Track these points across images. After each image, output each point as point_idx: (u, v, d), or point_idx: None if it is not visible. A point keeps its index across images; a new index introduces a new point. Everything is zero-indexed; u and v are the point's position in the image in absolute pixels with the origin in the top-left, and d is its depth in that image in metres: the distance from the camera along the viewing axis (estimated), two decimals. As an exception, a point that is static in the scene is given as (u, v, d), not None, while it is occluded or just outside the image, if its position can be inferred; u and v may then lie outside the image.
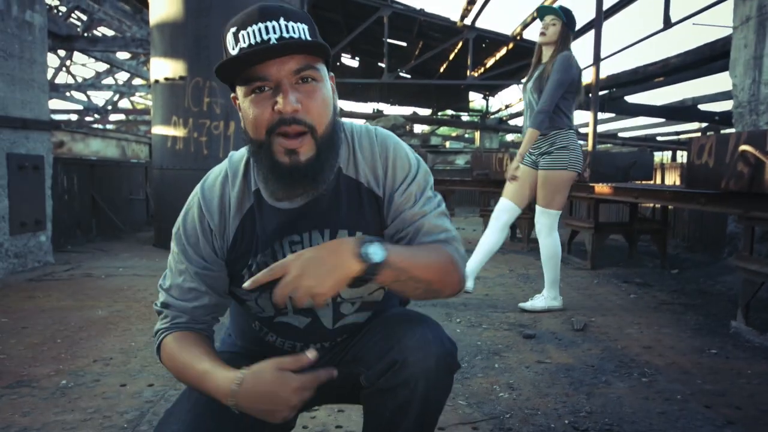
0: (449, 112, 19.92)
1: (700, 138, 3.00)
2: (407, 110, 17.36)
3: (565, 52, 3.14)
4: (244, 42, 0.91)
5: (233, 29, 0.93)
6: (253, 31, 0.91)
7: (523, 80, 3.39)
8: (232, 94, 1.01)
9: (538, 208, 3.29)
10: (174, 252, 1.08)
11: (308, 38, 0.93)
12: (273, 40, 0.90)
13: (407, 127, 13.27)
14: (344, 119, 1.10)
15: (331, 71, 1.03)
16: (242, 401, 0.89)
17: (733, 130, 4.66)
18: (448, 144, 15.37)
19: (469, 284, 3.51)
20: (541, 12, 3.23)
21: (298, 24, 0.93)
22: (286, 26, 0.92)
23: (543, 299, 3.32)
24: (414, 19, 8.50)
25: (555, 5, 3.25)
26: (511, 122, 15.63)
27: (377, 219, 1.07)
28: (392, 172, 1.06)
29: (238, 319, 1.24)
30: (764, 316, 3.12)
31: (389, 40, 8.55)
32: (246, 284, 0.90)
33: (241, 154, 1.09)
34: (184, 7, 5.23)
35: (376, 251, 0.88)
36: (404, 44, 11.05)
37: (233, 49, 0.93)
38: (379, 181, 1.06)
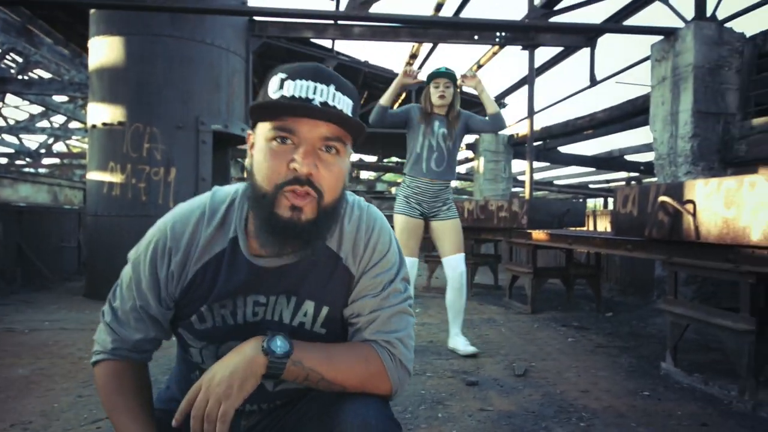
0: (394, 159, 20.37)
1: (624, 189, 3.21)
2: (354, 157, 17.58)
3: (465, 112, 3.51)
4: (288, 91, 0.91)
5: (282, 75, 0.93)
6: (302, 86, 0.91)
7: (415, 117, 3.46)
8: (249, 131, 1.00)
9: (458, 256, 3.44)
10: (128, 277, 1.05)
11: (349, 115, 0.94)
12: (316, 102, 0.91)
13: (353, 173, 13.42)
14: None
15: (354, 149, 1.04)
16: None
17: (655, 180, 5.00)
18: (393, 190, 15.62)
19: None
20: (437, 75, 3.41)
21: (345, 97, 0.95)
22: (334, 95, 0.93)
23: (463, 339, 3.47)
24: (359, 70, 8.75)
25: (442, 68, 3.44)
26: (464, 168, 16.07)
27: (346, 296, 1.05)
28: (370, 252, 1.05)
29: (181, 367, 1.19)
30: (691, 357, 3.28)
31: (344, 79, 8.73)
32: (173, 423, 0.92)
33: (225, 194, 1.06)
34: (125, 53, 5.18)
35: (280, 345, 0.91)
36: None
37: (275, 92, 0.92)
38: (357, 258, 1.05)
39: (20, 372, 2.89)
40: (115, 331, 1.06)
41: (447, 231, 3.43)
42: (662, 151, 4.77)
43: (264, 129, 0.93)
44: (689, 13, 4.95)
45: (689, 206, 2.62)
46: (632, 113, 6.31)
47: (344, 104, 0.94)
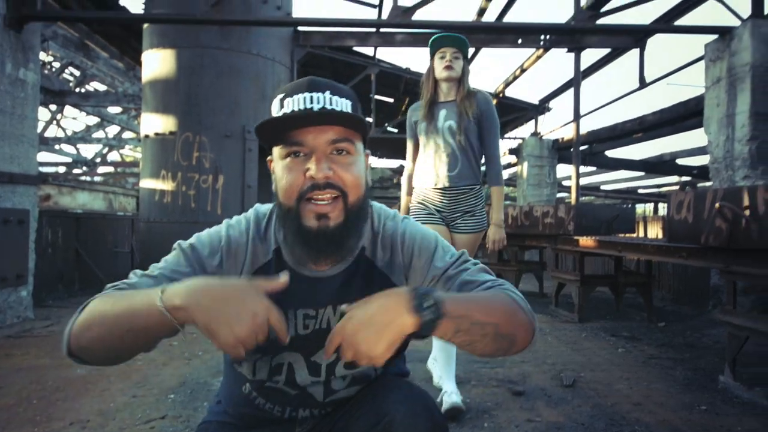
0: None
1: (678, 194, 3.09)
2: (394, 163, 17.63)
3: (485, 93, 2.70)
4: (288, 108, 0.96)
5: (281, 95, 0.98)
6: (299, 99, 0.95)
7: (416, 119, 2.74)
8: (269, 157, 1.03)
9: None
10: (178, 254, 1.02)
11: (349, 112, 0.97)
12: (315, 109, 0.94)
13: (394, 179, 13.44)
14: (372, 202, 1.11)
15: (367, 149, 1.05)
16: (190, 300, 0.78)
17: (710, 184, 4.80)
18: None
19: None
20: (442, 42, 2.65)
21: (343, 99, 0.98)
22: (331, 99, 0.96)
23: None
24: (400, 77, 8.77)
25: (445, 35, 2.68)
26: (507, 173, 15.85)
27: None
28: (417, 254, 1.05)
29: (229, 382, 1.21)
30: (752, 370, 3.12)
31: (377, 96, 8.78)
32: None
33: (266, 209, 1.10)
34: (176, 65, 5.37)
35: (430, 303, 0.82)
36: (391, 100, 11.36)
37: (277, 113, 0.97)
38: (397, 268, 1.06)
39: (78, 372, 3.02)
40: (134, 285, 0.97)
41: (458, 246, 2.59)
42: (718, 155, 4.57)
43: (277, 150, 0.99)
44: (745, 11, 4.74)
45: (749, 212, 2.50)
46: (684, 115, 6.09)
47: (342, 105, 0.97)
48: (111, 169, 17.08)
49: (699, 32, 4.75)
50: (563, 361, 3.37)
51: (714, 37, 4.65)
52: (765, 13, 4.62)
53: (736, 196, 2.59)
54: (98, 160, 16.32)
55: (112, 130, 15.89)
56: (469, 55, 2.76)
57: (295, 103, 0.95)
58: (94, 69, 9.78)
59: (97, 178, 15.39)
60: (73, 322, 0.91)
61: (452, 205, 2.64)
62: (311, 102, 0.95)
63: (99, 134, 15.27)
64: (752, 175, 4.24)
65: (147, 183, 5.56)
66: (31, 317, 4.49)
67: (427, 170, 2.68)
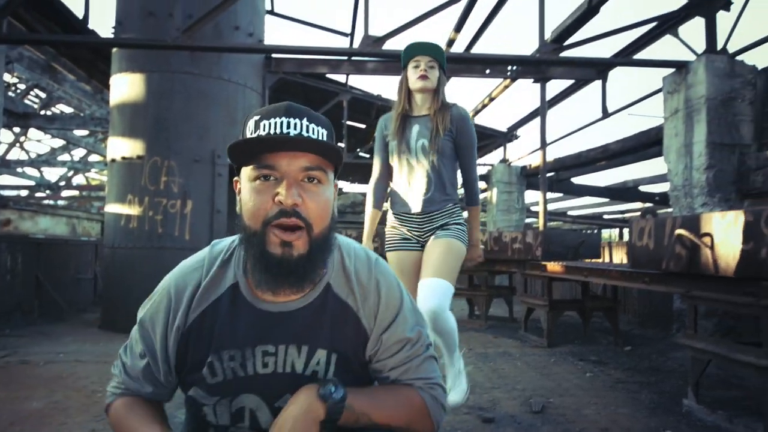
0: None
1: (639, 221, 3.18)
2: (366, 188, 17.70)
3: (460, 107, 2.51)
4: (264, 130, 0.95)
5: (256, 117, 0.97)
6: (275, 123, 0.95)
7: (387, 134, 2.56)
8: (236, 178, 1.03)
9: (431, 281, 2.32)
10: (137, 335, 1.08)
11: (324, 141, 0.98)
12: (292, 134, 0.95)
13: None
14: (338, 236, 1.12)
15: (337, 179, 1.06)
16: None
17: (671, 210, 4.96)
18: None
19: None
20: (415, 50, 2.47)
21: (319, 128, 0.98)
22: (308, 126, 0.97)
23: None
24: (372, 103, 8.89)
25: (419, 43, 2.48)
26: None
27: (358, 347, 1.05)
28: (384, 310, 1.06)
29: (191, 428, 1.18)
30: (715, 393, 3.19)
31: (348, 122, 8.85)
32: None
33: (223, 246, 1.08)
34: (146, 89, 5.33)
35: (335, 390, 0.93)
36: (363, 126, 11.46)
37: (252, 133, 0.96)
38: (368, 312, 1.05)
39: (34, 405, 2.89)
40: (125, 385, 1.08)
41: (432, 250, 2.42)
42: (677, 183, 4.74)
43: (247, 171, 0.97)
44: (700, 46, 4.99)
45: (707, 239, 2.59)
46: (646, 144, 6.31)
47: (319, 133, 0.98)
48: (76, 192, 16.68)
49: (657, 66, 4.97)
50: (533, 387, 3.39)
51: (671, 70, 4.87)
52: (718, 48, 4.88)
53: (694, 223, 2.69)
54: (62, 183, 15.92)
55: (79, 152, 15.56)
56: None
57: (272, 126, 0.95)
58: (61, 91, 9.62)
59: (60, 202, 14.98)
60: (105, 411, 1.10)
61: (425, 225, 2.48)
62: (288, 127, 0.95)
63: (64, 157, 14.92)
64: (710, 203, 4.40)
65: (112, 208, 5.45)
66: (-14, 348, 4.29)
67: (401, 195, 2.53)
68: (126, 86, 5.43)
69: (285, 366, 1.02)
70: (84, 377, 3.52)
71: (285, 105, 0.98)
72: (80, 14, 5.78)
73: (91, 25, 5.99)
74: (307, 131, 0.96)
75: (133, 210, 5.24)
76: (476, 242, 2.66)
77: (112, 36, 5.63)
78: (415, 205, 2.48)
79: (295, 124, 0.95)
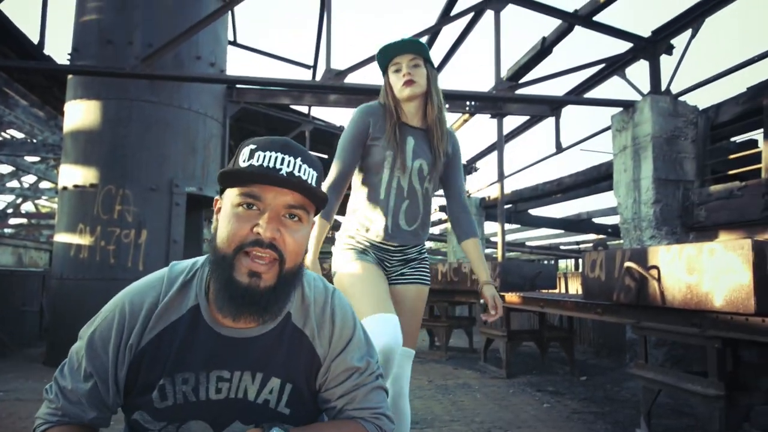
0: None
1: (591, 253, 3.29)
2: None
3: (449, 127, 2.09)
4: (257, 161, 0.96)
5: (252, 146, 0.99)
6: (270, 156, 0.97)
7: (378, 136, 1.98)
8: (217, 197, 1.04)
9: (405, 349, 1.91)
10: (79, 355, 1.01)
11: (313, 185, 1.00)
12: (283, 172, 0.96)
13: (330, 234, 13.42)
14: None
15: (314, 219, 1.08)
16: None
17: (622, 241, 5.14)
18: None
19: None
20: (390, 51, 1.97)
21: (311, 170, 1.01)
22: (300, 167, 0.99)
23: None
24: (334, 134, 8.96)
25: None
26: (438, 229, 16.18)
27: (311, 376, 1.07)
28: (337, 337, 1.08)
29: None
30: (665, 422, 3.27)
31: (311, 153, 8.89)
32: None
33: (183, 267, 1.08)
34: (101, 117, 5.22)
35: None
36: (326, 156, 11.52)
37: (245, 162, 0.97)
38: (323, 341, 1.07)
39: (-32, 449, 2.71)
40: (63, 411, 1.00)
41: (405, 305, 2.00)
42: (627, 216, 4.93)
43: (231, 195, 0.98)
44: (646, 86, 5.28)
45: (654, 272, 2.70)
46: (597, 179, 6.57)
47: (309, 176, 1.01)
48: (24, 220, 16.00)
49: (606, 105, 5.21)
50: (491, 419, 3.40)
51: (620, 109, 5.12)
52: (662, 89, 5.17)
53: (642, 256, 2.80)
54: (10, 210, 15.26)
55: (28, 179, 14.99)
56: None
57: (267, 159, 0.96)
58: (12, 116, 9.31)
59: (7, 230, 14.33)
60: None
61: (398, 255, 2.03)
62: (282, 163, 0.97)
63: (13, 183, 14.34)
64: (657, 235, 4.59)
65: (62, 237, 5.25)
66: None
67: (376, 217, 1.98)
68: (81, 113, 5.31)
69: (237, 392, 1.01)
70: (25, 417, 3.32)
71: (283, 141, 1.01)
72: (36, 39, 5.67)
73: (46, 51, 5.87)
74: (299, 171, 0.98)
75: (84, 240, 5.06)
76: (490, 281, 2.06)
77: (68, 62, 5.52)
78: (397, 236, 1.99)
79: (289, 162, 0.97)
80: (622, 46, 5.41)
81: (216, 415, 1.00)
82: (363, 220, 2.02)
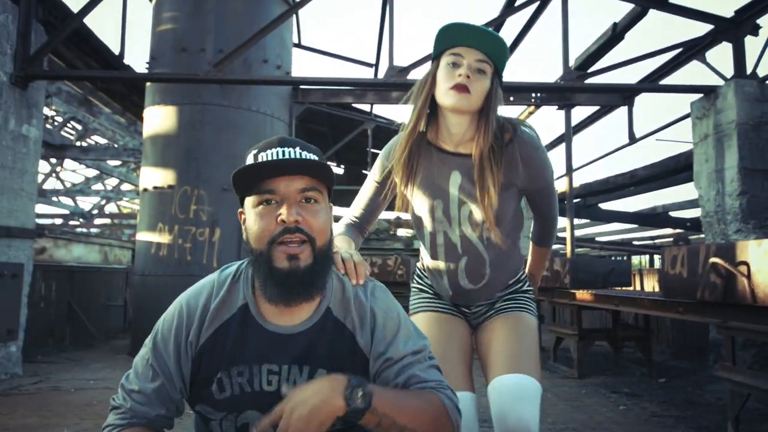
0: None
1: (672, 249, 3.12)
2: (391, 215, 17.73)
3: (527, 131, 1.48)
4: (261, 160, 1.05)
5: (254, 151, 1.08)
6: (272, 153, 1.06)
7: (398, 177, 1.52)
8: (240, 209, 1.11)
9: (514, 378, 1.35)
10: (144, 359, 1.10)
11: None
12: (285, 158, 1.05)
13: (391, 230, 13.49)
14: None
15: (331, 202, 1.14)
16: None
17: (703, 236, 4.84)
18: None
19: None
20: (458, 36, 1.38)
21: (311, 154, 1.08)
22: (301, 153, 1.07)
23: None
24: (395, 131, 8.98)
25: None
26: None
27: (355, 368, 1.08)
28: (381, 330, 1.10)
29: None
30: (755, 428, 3.05)
31: (372, 150, 8.94)
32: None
33: (231, 270, 1.15)
34: (177, 121, 5.50)
35: (360, 394, 0.91)
36: (387, 154, 11.62)
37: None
38: (365, 333, 1.10)
39: (66, 432, 2.93)
40: (132, 412, 1.06)
41: (497, 332, 1.52)
42: (709, 209, 4.64)
43: (249, 201, 1.06)
44: (728, 70, 4.93)
45: (743, 268, 2.52)
46: (675, 170, 6.21)
47: (310, 158, 1.08)
48: (108, 220, 17.12)
49: (684, 91, 4.92)
50: (564, 420, 3.30)
51: (699, 95, 4.82)
52: (747, 72, 4.81)
53: (729, 251, 2.62)
54: (95, 212, 16.37)
55: (111, 182, 16.03)
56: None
57: (268, 156, 1.05)
58: (96, 123, 9.98)
59: (93, 230, 15.38)
60: None
61: (474, 308, 1.63)
62: (283, 155, 1.05)
63: (98, 186, 15.39)
64: (744, 229, 4.29)
65: (143, 236, 5.57)
66: (19, 373, 4.39)
67: (436, 276, 1.59)
68: (159, 118, 5.61)
69: (289, 385, 1.05)
70: (113, 404, 3.55)
71: (278, 138, 1.10)
72: (117, 50, 6.04)
73: (126, 61, 6.24)
74: (300, 156, 1.06)
75: (163, 238, 5.35)
76: (536, 280, 1.81)
77: (146, 71, 5.84)
78: (463, 297, 1.59)
79: (289, 152, 1.06)
80: (701, 29, 5.08)
81: (270, 405, 1.03)
82: (422, 268, 1.68)
